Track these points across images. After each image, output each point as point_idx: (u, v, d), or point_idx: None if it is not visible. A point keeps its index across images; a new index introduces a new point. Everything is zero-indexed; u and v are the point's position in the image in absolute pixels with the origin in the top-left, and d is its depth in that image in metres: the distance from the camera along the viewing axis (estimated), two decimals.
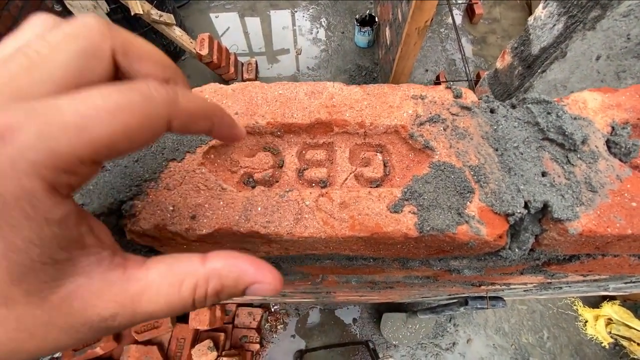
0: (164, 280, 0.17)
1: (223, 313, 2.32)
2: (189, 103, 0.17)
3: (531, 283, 0.62)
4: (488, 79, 1.04)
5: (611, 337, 2.37)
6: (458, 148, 0.28)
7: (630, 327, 2.34)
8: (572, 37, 0.68)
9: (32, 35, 0.16)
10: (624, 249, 0.29)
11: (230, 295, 0.19)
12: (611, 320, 2.41)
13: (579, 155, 0.27)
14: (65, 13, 2.19)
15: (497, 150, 0.28)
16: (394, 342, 2.36)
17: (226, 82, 2.69)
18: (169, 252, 0.31)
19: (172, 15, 2.28)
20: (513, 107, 0.30)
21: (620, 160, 0.28)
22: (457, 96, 0.30)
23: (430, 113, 0.29)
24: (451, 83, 0.30)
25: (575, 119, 0.28)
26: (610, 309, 2.40)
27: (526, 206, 0.26)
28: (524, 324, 2.45)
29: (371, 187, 0.28)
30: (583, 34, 0.66)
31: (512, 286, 0.68)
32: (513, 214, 0.25)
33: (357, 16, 3.09)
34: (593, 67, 0.65)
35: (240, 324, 2.35)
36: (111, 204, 0.25)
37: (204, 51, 2.51)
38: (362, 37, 3.14)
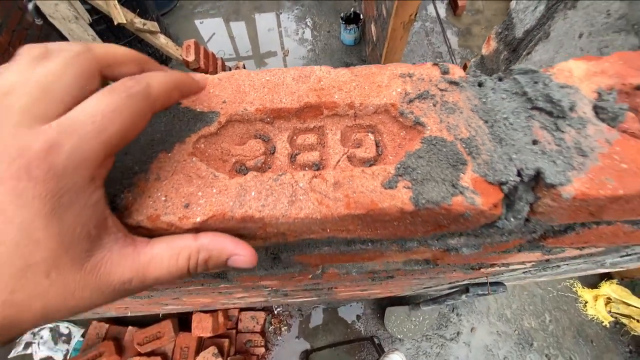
0: (165, 253, 0.23)
1: (226, 319, 2.30)
2: (159, 84, 0.22)
3: (529, 262, 0.62)
4: (475, 66, 1.05)
5: (611, 316, 2.40)
6: (448, 122, 0.28)
7: (629, 305, 2.38)
8: (554, 17, 0.69)
9: (26, 66, 0.19)
10: (618, 213, 0.30)
11: (216, 265, 0.24)
12: (610, 299, 2.45)
13: (567, 122, 0.27)
14: (47, 26, 2.16)
15: (487, 122, 0.28)
16: (398, 336, 2.36)
17: None
18: None
19: (155, 23, 2.27)
20: (500, 79, 0.30)
21: (608, 124, 0.28)
22: (445, 72, 0.30)
23: (419, 90, 0.29)
24: (438, 60, 0.30)
25: (562, 87, 0.28)
26: (608, 288, 2.44)
27: (519, 174, 0.26)
28: (526, 308, 2.47)
29: (364, 167, 0.28)
30: (564, 14, 0.66)
31: (511, 267, 0.68)
32: (506, 183, 0.25)
33: (342, 14, 3.10)
34: (576, 45, 0.66)
35: (244, 329, 2.34)
36: None
37: (191, 57, 2.49)
38: (348, 35, 3.15)
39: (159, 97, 0.22)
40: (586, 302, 2.50)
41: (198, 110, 0.28)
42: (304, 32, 3.42)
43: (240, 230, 0.26)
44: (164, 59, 2.89)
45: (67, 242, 0.19)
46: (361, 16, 3.05)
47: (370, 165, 0.28)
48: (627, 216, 0.31)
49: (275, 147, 0.29)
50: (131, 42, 2.54)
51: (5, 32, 2.84)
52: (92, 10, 2.04)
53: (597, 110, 0.28)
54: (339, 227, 0.28)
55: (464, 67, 2.69)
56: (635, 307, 2.37)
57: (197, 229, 0.25)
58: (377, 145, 0.29)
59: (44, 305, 0.19)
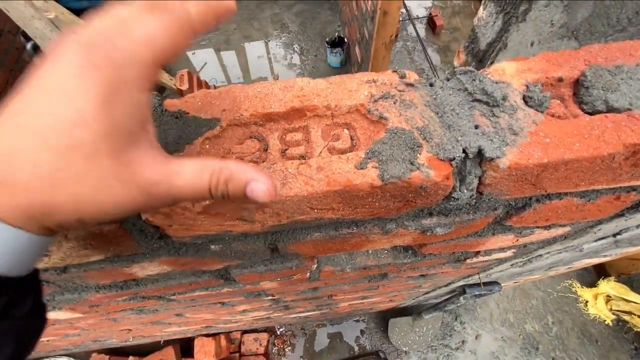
0: (192, 166, 0.24)
1: (229, 342, 2.28)
2: (197, 10, 0.24)
3: (508, 247, 0.67)
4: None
5: (613, 313, 2.42)
6: (406, 115, 0.34)
7: (629, 301, 2.40)
8: (509, 30, 0.79)
9: (137, 13, 0.23)
10: (554, 182, 0.36)
11: (236, 189, 0.24)
12: (610, 297, 2.47)
13: (501, 109, 0.34)
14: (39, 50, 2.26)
15: (437, 113, 0.34)
16: (404, 349, 2.35)
17: None
18: (176, 231, 0.36)
19: None
20: (448, 80, 0.37)
21: (536, 110, 0.35)
22: (402, 77, 0.37)
23: (382, 92, 0.36)
24: (395, 67, 0.37)
25: (496, 82, 0.35)
26: (607, 286, 2.46)
27: (465, 152, 0.32)
28: (528, 312, 2.48)
29: (341, 155, 0.34)
30: (517, 26, 0.76)
31: (493, 255, 0.73)
32: (454, 159, 0.31)
33: (327, 39, 3.27)
34: (529, 52, 0.74)
35: (247, 352, 2.31)
36: None
37: (184, 86, 2.61)
38: (334, 58, 3.32)
39: (196, 19, 0.24)
40: (587, 302, 2.52)
41: (203, 117, 0.35)
42: (292, 58, 3.59)
43: (241, 212, 0.32)
44: (158, 89, 3.00)
45: (110, 129, 0.21)
46: (345, 40, 3.22)
47: (346, 154, 0.34)
48: (565, 186, 0.38)
49: (268, 145, 0.35)
50: None
51: (3, 72, 2.95)
52: None
53: (526, 99, 0.35)
54: (324, 205, 0.33)
55: (457, 53, 2.82)
56: (635, 302, 2.39)
57: (204, 212, 0.31)
58: (351, 138, 0.36)
59: (77, 192, 0.21)
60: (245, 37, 3.73)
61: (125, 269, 0.44)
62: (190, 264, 0.47)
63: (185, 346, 2.24)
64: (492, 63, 0.87)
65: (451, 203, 0.37)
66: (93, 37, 0.21)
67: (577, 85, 0.37)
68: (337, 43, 3.24)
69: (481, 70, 0.37)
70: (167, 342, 2.20)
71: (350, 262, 0.67)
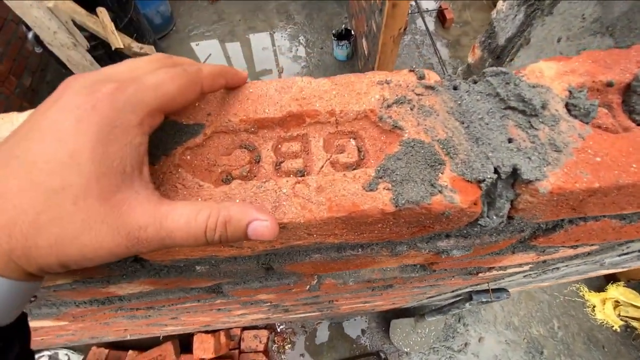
0: (186, 208, 0.22)
1: (228, 339, 2.26)
2: (208, 70, 0.26)
3: (526, 263, 0.62)
4: (462, 75, 1.08)
5: (621, 319, 2.36)
6: (426, 125, 0.28)
7: (638, 307, 2.33)
8: (533, 24, 0.72)
9: (151, 65, 0.25)
10: (599, 207, 0.30)
11: (236, 230, 0.22)
12: (618, 302, 2.40)
13: (541, 120, 0.28)
14: (46, 54, 2.21)
15: (463, 123, 0.29)
16: (405, 350, 2.31)
17: None
18: (151, 256, 0.31)
19: (152, 47, 2.32)
20: (475, 82, 0.31)
21: (581, 120, 0.29)
22: (421, 77, 0.31)
23: (397, 95, 0.30)
24: (413, 65, 0.31)
25: (533, 87, 0.29)
26: (615, 291, 2.40)
27: (496, 172, 0.26)
28: (533, 315, 2.42)
29: (346, 172, 0.29)
30: (542, 20, 0.69)
31: (508, 270, 0.68)
32: (484, 180, 0.26)
33: (333, 31, 3.18)
34: (556, 49, 0.67)
35: (247, 348, 2.29)
36: None
37: None
38: (340, 51, 3.23)
39: (207, 78, 0.26)
40: (594, 307, 2.46)
41: (184, 122, 0.29)
42: (297, 50, 3.50)
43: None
44: None
45: (102, 170, 0.20)
46: (352, 32, 3.13)
47: (353, 170, 0.29)
48: (609, 210, 0.32)
49: (260, 156, 0.30)
50: None
51: (6, 61, 2.90)
52: (90, 37, 2.09)
53: (569, 107, 0.29)
54: (325, 232, 0.28)
55: (472, 49, 2.74)
56: None
57: None
58: (359, 150, 0.30)
59: (60, 235, 0.19)
60: (250, 29, 3.65)
61: (101, 289, 0.40)
62: (175, 284, 0.42)
63: (184, 341, 2.22)
64: (511, 60, 0.80)
65: (475, 229, 0.31)
66: (99, 81, 0.21)
67: (628, 91, 0.31)
68: (343, 35, 3.15)
69: (515, 72, 0.31)
70: (167, 338, 2.18)
71: (353, 275, 0.62)
